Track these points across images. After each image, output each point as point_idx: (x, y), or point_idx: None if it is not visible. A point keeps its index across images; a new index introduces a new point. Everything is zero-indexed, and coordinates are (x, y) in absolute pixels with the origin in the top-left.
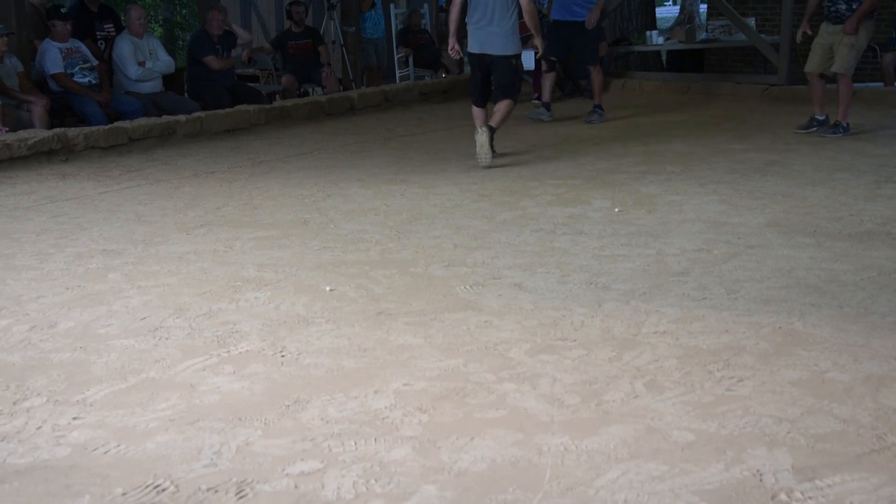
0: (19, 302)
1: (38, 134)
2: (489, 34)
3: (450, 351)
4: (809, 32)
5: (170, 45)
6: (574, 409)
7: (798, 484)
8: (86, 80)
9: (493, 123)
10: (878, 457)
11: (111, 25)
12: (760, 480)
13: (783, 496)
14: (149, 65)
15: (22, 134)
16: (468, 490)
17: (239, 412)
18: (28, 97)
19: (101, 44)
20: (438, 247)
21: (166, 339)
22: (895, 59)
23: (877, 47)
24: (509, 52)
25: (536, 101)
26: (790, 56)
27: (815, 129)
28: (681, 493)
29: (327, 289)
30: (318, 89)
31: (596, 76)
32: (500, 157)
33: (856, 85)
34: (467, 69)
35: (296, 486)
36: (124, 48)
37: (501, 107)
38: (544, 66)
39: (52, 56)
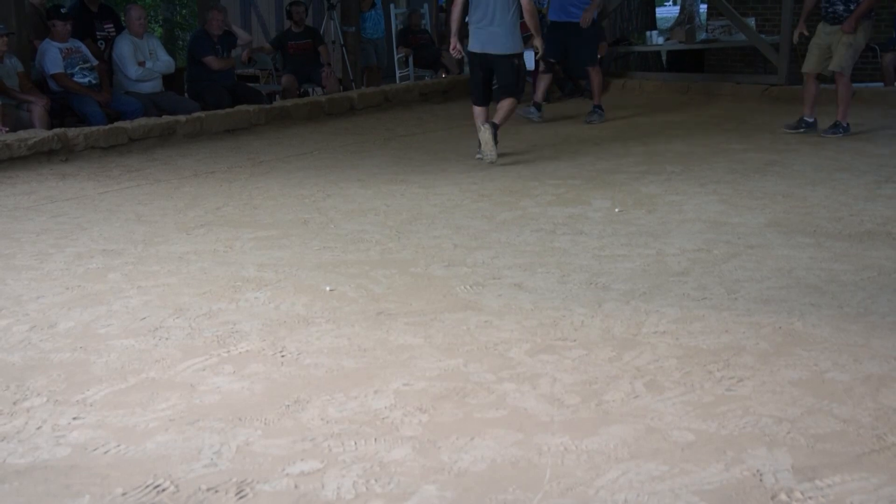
0: (19, 302)
1: (38, 134)
2: (490, 34)
3: (450, 351)
4: (806, 33)
5: (170, 45)
6: (574, 409)
7: (798, 484)
8: (86, 80)
9: (496, 120)
10: (878, 457)
11: (111, 25)
12: (760, 480)
13: (783, 496)
14: (149, 65)
15: (22, 134)
16: (468, 490)
17: (239, 412)
18: (28, 97)
19: (101, 44)
20: (438, 247)
21: (166, 339)
22: (895, 59)
23: (877, 47)
24: (511, 51)
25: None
26: (790, 56)
27: (802, 129)
28: (681, 493)
29: (327, 289)
30: (318, 89)
31: (595, 76)
32: (501, 156)
33: (856, 85)
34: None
35: (296, 486)
36: (124, 48)
37: (504, 105)
38: (541, 66)
39: (52, 56)
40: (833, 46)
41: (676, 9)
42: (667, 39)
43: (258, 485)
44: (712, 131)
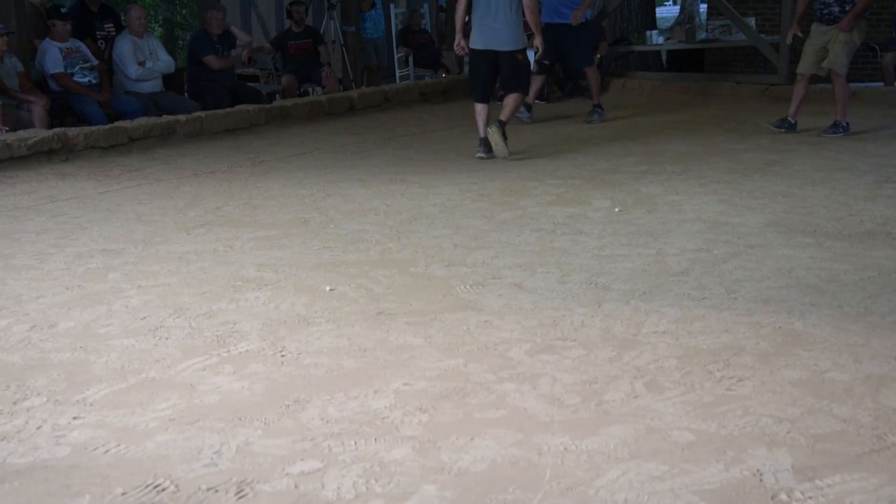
0: (19, 302)
1: (38, 134)
2: (494, 30)
3: (450, 351)
4: (800, 34)
5: (170, 45)
6: (574, 409)
7: (798, 484)
8: (86, 79)
9: (502, 118)
10: (878, 457)
11: (111, 25)
12: (760, 480)
13: (783, 496)
14: (149, 64)
15: (22, 134)
16: (468, 490)
17: (239, 412)
18: (28, 97)
19: (102, 43)
20: (438, 247)
21: (166, 338)
22: (895, 59)
23: (877, 47)
24: (514, 46)
25: (537, 101)
26: (790, 56)
27: (783, 129)
28: (681, 493)
29: (327, 289)
30: (318, 89)
31: (592, 76)
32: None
33: (856, 85)
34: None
35: (296, 486)
36: (124, 48)
37: (509, 101)
38: (534, 67)
39: (52, 56)
40: (830, 45)
41: (676, 9)
42: (667, 39)
43: (258, 485)
44: (712, 131)
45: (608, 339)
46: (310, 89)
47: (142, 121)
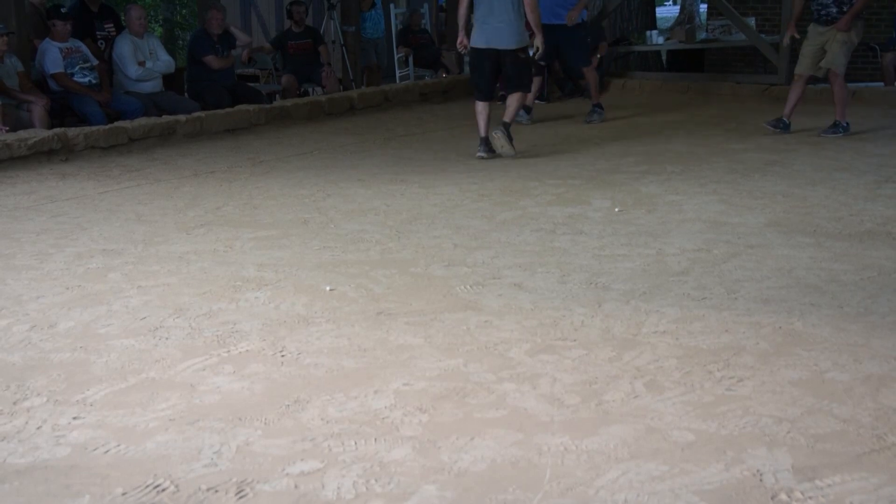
0: (19, 302)
1: (38, 134)
2: (495, 29)
3: (450, 351)
4: (797, 36)
5: (170, 45)
6: (574, 409)
7: (798, 484)
8: (86, 79)
9: (506, 119)
10: (878, 457)
11: (111, 25)
12: (760, 480)
13: (783, 496)
14: (149, 65)
15: (22, 134)
16: (468, 490)
17: (239, 412)
18: (28, 97)
19: (102, 44)
20: (438, 247)
21: (166, 339)
22: (895, 59)
23: (877, 47)
24: (516, 45)
25: (536, 101)
26: (790, 56)
27: (779, 129)
28: (681, 493)
29: (327, 289)
30: (318, 89)
31: (590, 76)
32: (500, 157)
33: (856, 85)
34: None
35: (296, 486)
36: (124, 48)
37: (512, 101)
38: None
39: (52, 56)
40: (827, 45)
41: (676, 9)
42: (667, 39)
43: (258, 485)
44: (712, 131)
45: (608, 339)
46: (310, 89)
47: (142, 121)
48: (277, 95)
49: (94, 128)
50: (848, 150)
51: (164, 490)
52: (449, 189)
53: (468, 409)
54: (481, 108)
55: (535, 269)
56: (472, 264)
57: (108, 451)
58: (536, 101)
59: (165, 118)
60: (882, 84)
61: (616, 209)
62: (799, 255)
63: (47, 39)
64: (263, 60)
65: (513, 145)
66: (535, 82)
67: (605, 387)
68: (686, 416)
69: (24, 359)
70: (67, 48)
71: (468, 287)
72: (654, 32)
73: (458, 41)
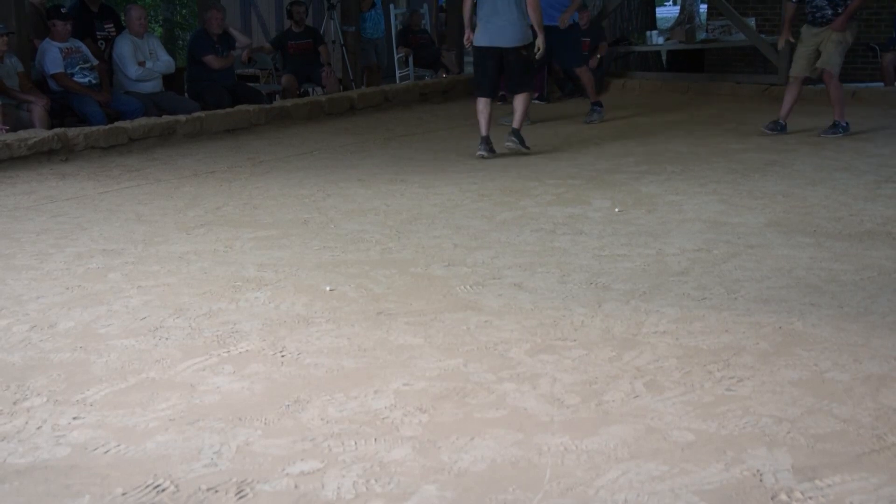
0: (19, 302)
1: (38, 134)
2: (498, 27)
3: (450, 351)
4: (792, 40)
5: (170, 45)
6: (574, 409)
7: (798, 484)
8: (86, 79)
9: (515, 125)
10: (878, 457)
11: (111, 25)
12: (760, 480)
13: (783, 496)
14: (149, 65)
15: (22, 134)
16: (468, 490)
17: (239, 412)
18: (28, 97)
19: (102, 44)
20: (438, 247)
21: (166, 339)
22: (895, 59)
23: (877, 47)
24: (519, 43)
25: (536, 101)
26: (790, 56)
27: (777, 132)
28: (681, 493)
29: (327, 289)
30: (318, 89)
31: (585, 76)
32: (500, 156)
33: (856, 85)
34: (467, 69)
35: (296, 486)
36: (124, 48)
37: (518, 104)
38: None
39: (52, 56)
40: (822, 45)
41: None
42: (667, 39)
43: (258, 485)
44: (712, 131)
45: (608, 339)
46: (310, 89)
47: (142, 121)
48: (277, 95)
49: (94, 128)
50: (848, 150)
51: (164, 490)
52: (449, 189)
53: (468, 409)
54: (482, 106)
55: (535, 269)
56: (472, 264)
57: (108, 451)
58: (536, 102)
59: (165, 118)
60: (882, 84)
61: (616, 209)
62: (799, 255)
63: (47, 39)
64: (263, 60)
65: (527, 146)
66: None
67: (605, 387)
68: (686, 416)
69: (24, 359)
70: (67, 48)
71: (468, 287)
72: (654, 32)
73: (465, 37)
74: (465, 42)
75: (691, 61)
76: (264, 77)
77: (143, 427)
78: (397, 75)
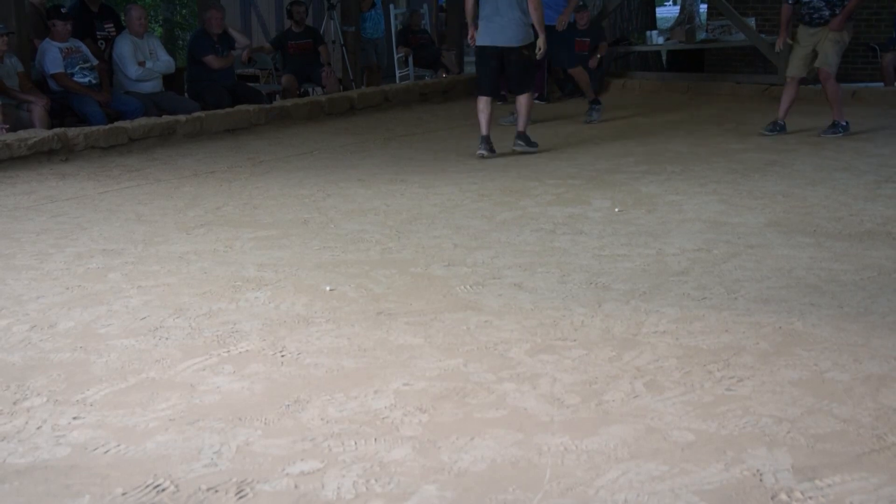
0: (19, 302)
1: (38, 134)
2: (500, 26)
3: (450, 351)
4: (790, 42)
5: (170, 45)
6: (574, 409)
7: (798, 484)
8: (86, 79)
9: (520, 128)
10: (878, 457)
11: (111, 25)
12: (760, 480)
13: (783, 496)
14: (149, 65)
15: (22, 134)
16: (468, 490)
17: (239, 412)
18: (28, 97)
19: (102, 44)
20: (438, 247)
21: (166, 339)
22: (895, 59)
23: (877, 47)
24: (520, 42)
25: (536, 101)
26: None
27: (776, 132)
28: (681, 493)
29: (327, 289)
30: (318, 89)
31: (578, 76)
32: (500, 156)
33: (856, 85)
34: (467, 69)
35: (296, 486)
36: (124, 48)
37: (521, 107)
38: None
39: (52, 56)
40: (819, 45)
41: (676, 9)
42: (667, 39)
43: (258, 485)
44: (712, 131)
45: (608, 339)
46: (310, 89)
47: (142, 121)
48: (277, 95)
49: (94, 128)
50: (848, 150)
51: (164, 490)
52: (449, 189)
53: (468, 409)
54: (483, 105)
55: (535, 269)
56: (472, 264)
57: (108, 451)
58: (536, 101)
59: (165, 118)
60: (882, 84)
61: (616, 209)
62: (799, 255)
63: (47, 39)
64: (263, 60)
65: (534, 143)
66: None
67: (605, 387)
68: (686, 416)
69: (24, 359)
70: (67, 48)
71: (468, 287)
72: (654, 32)
73: (469, 35)
74: (469, 40)
75: (691, 61)
76: (264, 77)
77: (143, 427)
78: (397, 75)
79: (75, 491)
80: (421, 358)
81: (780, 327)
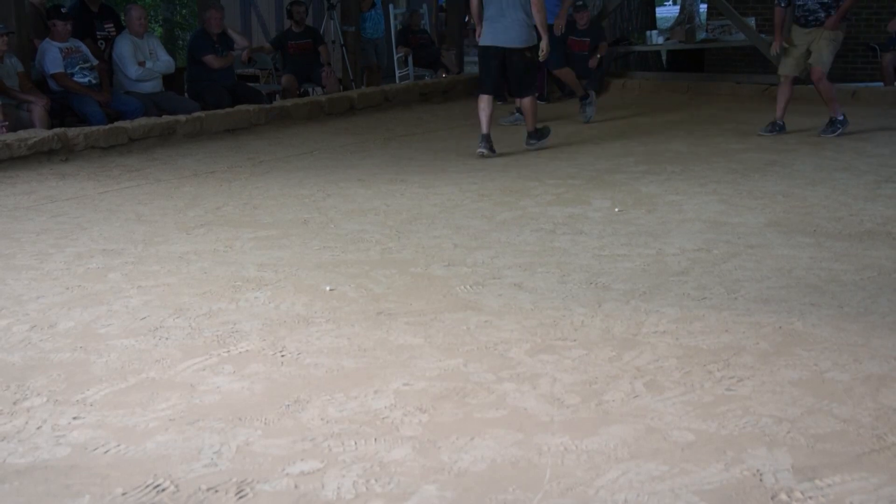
0: (19, 302)
1: (38, 134)
2: (503, 27)
3: (450, 351)
4: (786, 45)
5: (170, 45)
6: (574, 409)
7: (798, 484)
8: (86, 79)
9: (529, 128)
10: (878, 457)
11: (111, 25)
12: (760, 480)
13: (783, 496)
14: (149, 65)
15: (22, 134)
16: (468, 490)
17: (239, 412)
18: (28, 97)
19: (102, 44)
20: (438, 247)
21: (166, 339)
22: (895, 59)
23: (877, 47)
24: (522, 44)
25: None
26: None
27: (774, 132)
28: (681, 493)
29: (327, 289)
30: (318, 89)
31: (565, 76)
32: (500, 156)
33: (856, 85)
34: (467, 69)
35: (296, 486)
36: (124, 48)
37: (527, 109)
38: None
39: (52, 56)
40: (813, 45)
41: (676, 9)
42: (667, 39)
43: (258, 485)
44: (712, 131)
45: (608, 339)
46: (310, 89)
47: (142, 121)
48: (277, 95)
49: (94, 128)
50: (848, 150)
51: (164, 490)
52: (449, 189)
53: (468, 409)
54: (484, 103)
55: (535, 269)
56: (472, 264)
57: (108, 451)
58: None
59: (165, 118)
60: (882, 84)
61: (616, 209)
62: (799, 255)
63: (47, 39)
64: (263, 60)
65: (545, 132)
66: None
67: (605, 387)
68: (686, 416)
69: (24, 359)
70: (67, 48)
71: (468, 287)
72: (654, 32)
73: (477, 34)
74: (477, 38)
75: (691, 61)
76: (264, 77)
77: (143, 427)
78: (397, 75)
79: (75, 491)
80: (421, 358)
81: (780, 327)
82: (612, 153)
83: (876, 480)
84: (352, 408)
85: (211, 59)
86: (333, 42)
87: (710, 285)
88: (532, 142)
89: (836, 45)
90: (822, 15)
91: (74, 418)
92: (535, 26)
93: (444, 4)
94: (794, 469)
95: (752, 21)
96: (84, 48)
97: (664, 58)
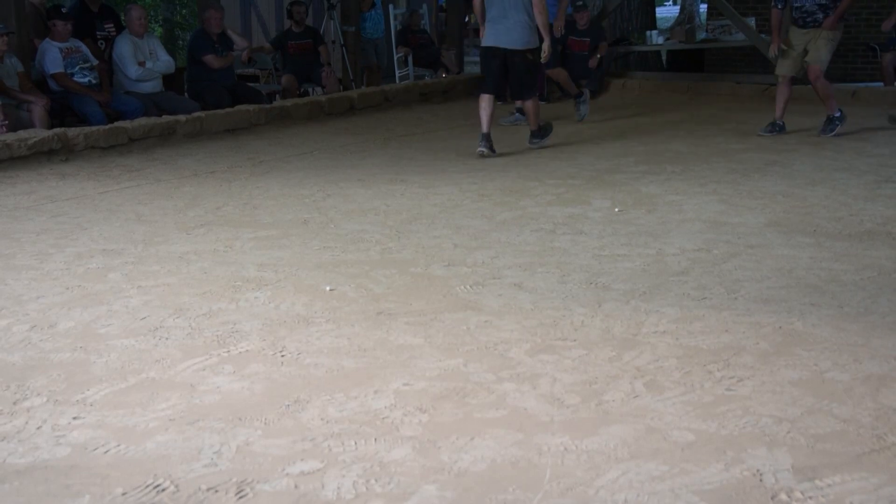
0: (19, 302)
1: (38, 134)
2: (505, 28)
3: (450, 351)
4: (784, 47)
5: (170, 45)
6: (574, 409)
7: (798, 484)
8: (86, 79)
9: (532, 128)
10: (878, 457)
11: (111, 25)
12: (760, 480)
13: (783, 496)
14: (149, 65)
15: (22, 134)
16: (468, 490)
17: (239, 412)
18: (28, 97)
19: (102, 44)
20: (438, 247)
21: (166, 339)
22: (895, 59)
23: (877, 47)
24: (524, 46)
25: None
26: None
27: (775, 132)
28: (681, 493)
29: (327, 289)
30: (318, 89)
31: (557, 76)
32: (500, 156)
33: (856, 85)
34: (467, 69)
35: (296, 486)
36: (124, 48)
37: (529, 110)
38: None
39: (52, 56)
40: (811, 44)
41: (676, 9)
42: (667, 39)
43: (258, 485)
44: (712, 131)
45: (608, 339)
46: (310, 89)
47: (142, 121)
48: (277, 95)
49: (94, 128)
50: (848, 150)
51: (164, 490)
52: (449, 189)
53: (468, 409)
54: (485, 103)
55: (535, 269)
56: (472, 264)
57: (108, 451)
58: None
59: (165, 118)
60: (882, 84)
61: (616, 209)
62: (799, 255)
63: (47, 39)
64: (263, 60)
65: (547, 129)
66: None
67: (605, 387)
68: (686, 416)
69: (24, 359)
70: (67, 48)
71: (468, 287)
72: (654, 32)
73: (480, 33)
74: (481, 38)
75: (691, 61)
76: (264, 77)
77: (143, 427)
78: (397, 75)
79: (75, 491)
80: (421, 358)
81: (780, 327)
82: (612, 153)
83: (876, 480)
84: (352, 408)
85: (211, 59)
86: (333, 42)
87: (710, 285)
88: (535, 140)
89: (834, 45)
90: (821, 16)
91: (74, 418)
92: (538, 28)
93: (444, 4)
94: (794, 469)
95: (752, 21)
96: (84, 48)
97: (664, 58)
